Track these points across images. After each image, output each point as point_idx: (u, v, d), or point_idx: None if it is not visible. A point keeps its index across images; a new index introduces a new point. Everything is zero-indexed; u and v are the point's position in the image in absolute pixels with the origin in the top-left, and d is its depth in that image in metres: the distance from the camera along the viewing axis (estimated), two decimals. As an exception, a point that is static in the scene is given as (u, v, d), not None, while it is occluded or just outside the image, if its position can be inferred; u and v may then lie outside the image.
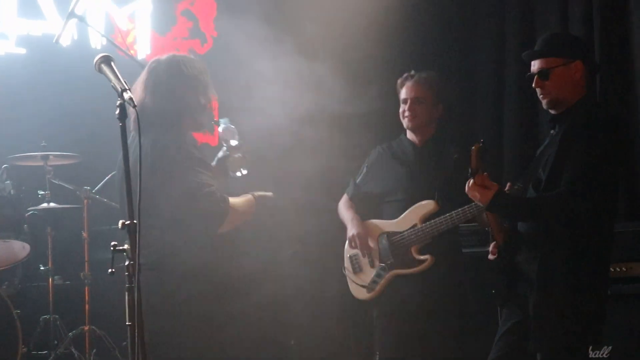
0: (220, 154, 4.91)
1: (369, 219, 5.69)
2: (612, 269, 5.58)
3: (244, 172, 4.90)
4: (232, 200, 4.59)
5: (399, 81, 5.69)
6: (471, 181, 4.43)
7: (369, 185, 5.76)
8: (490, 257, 4.67)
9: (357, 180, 5.81)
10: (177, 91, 4.58)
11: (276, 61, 6.30)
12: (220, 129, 4.88)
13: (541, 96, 4.60)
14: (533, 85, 4.58)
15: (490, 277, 4.74)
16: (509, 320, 4.65)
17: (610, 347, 5.65)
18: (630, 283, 5.70)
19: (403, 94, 5.64)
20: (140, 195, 3.46)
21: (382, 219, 5.66)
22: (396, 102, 5.72)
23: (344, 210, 5.80)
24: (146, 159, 4.40)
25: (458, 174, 5.25)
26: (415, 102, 5.59)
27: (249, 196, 4.77)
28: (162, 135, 4.50)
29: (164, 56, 4.74)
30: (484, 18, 7.52)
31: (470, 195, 4.47)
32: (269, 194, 4.84)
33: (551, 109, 4.61)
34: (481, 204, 4.48)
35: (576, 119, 4.47)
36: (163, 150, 4.48)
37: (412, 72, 5.67)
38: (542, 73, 4.57)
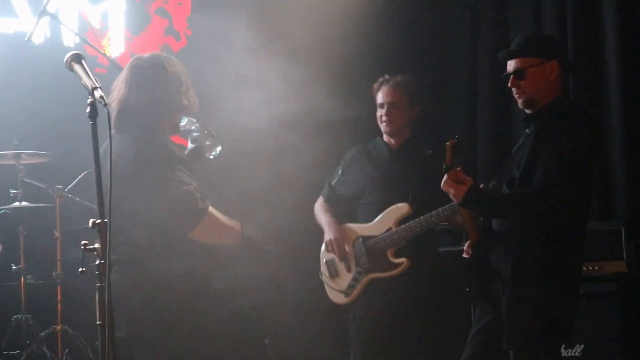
0: (190, 146, 4.87)
1: (345, 220, 5.69)
2: (584, 268, 5.62)
3: (219, 148, 4.86)
4: (217, 213, 4.55)
5: (374, 86, 5.70)
6: (445, 176, 4.45)
7: (344, 187, 5.76)
8: (465, 255, 4.68)
9: (333, 182, 5.81)
10: (161, 89, 4.55)
11: (253, 60, 6.29)
12: (182, 124, 4.81)
13: (517, 96, 4.62)
14: (509, 84, 4.60)
15: (464, 276, 4.74)
16: (482, 318, 4.67)
17: (582, 346, 5.68)
18: (602, 282, 5.74)
19: (379, 98, 5.66)
20: (110, 194, 3.43)
21: (356, 221, 5.66)
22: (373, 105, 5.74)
23: (321, 213, 5.79)
24: (128, 157, 4.41)
25: (433, 175, 5.28)
26: (391, 107, 5.61)
27: (236, 222, 4.68)
28: (144, 133, 4.49)
29: (145, 54, 4.71)
30: (458, 17, 7.54)
31: (444, 190, 4.49)
32: (257, 239, 4.76)
33: (526, 108, 4.62)
34: (455, 200, 4.50)
35: (551, 118, 4.49)
36: (145, 147, 4.45)
37: (387, 77, 5.68)
38: (518, 73, 4.58)
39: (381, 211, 5.55)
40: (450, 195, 4.49)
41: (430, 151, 5.41)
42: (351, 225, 5.64)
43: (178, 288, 4.39)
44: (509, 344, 4.42)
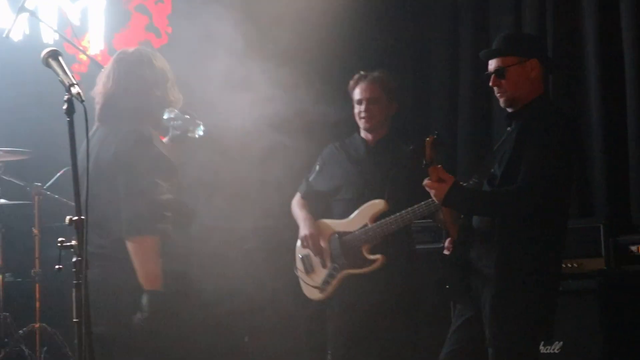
0: (173, 132, 4.76)
1: (322, 217, 5.69)
2: (563, 265, 5.64)
3: (202, 128, 4.79)
4: (156, 248, 4.37)
5: (351, 82, 5.69)
6: (427, 179, 4.44)
7: (321, 183, 5.76)
8: (446, 252, 4.69)
9: (310, 179, 5.80)
10: (147, 82, 4.53)
11: (237, 59, 6.28)
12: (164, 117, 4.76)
13: (498, 95, 4.62)
14: (490, 84, 4.60)
15: (444, 273, 4.76)
16: (461, 315, 4.67)
17: (561, 343, 5.70)
18: (581, 279, 5.76)
19: (357, 94, 5.64)
20: (87, 191, 3.43)
21: (332, 217, 5.65)
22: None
23: (297, 209, 5.78)
24: (108, 149, 4.39)
25: (410, 172, 5.31)
26: (370, 102, 5.60)
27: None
28: (128, 125, 4.46)
29: (131, 49, 4.70)
30: (438, 14, 7.54)
31: (427, 189, 4.49)
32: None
33: (508, 107, 4.63)
34: (436, 200, 4.49)
35: (532, 116, 4.50)
36: (128, 140, 4.42)
37: (364, 72, 5.67)
38: (499, 72, 4.59)
39: (357, 207, 5.54)
40: (432, 195, 4.49)
41: (412, 147, 5.43)
42: (327, 221, 5.64)
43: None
44: (491, 342, 4.43)
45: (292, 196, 5.90)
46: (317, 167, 5.80)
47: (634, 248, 5.79)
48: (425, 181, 4.44)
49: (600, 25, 6.54)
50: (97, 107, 4.51)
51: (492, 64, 4.62)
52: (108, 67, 4.62)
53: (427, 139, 4.45)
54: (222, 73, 6.11)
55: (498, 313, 4.41)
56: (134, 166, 4.34)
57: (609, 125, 6.49)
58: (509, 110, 4.62)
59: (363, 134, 5.71)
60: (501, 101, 4.64)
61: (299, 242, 5.69)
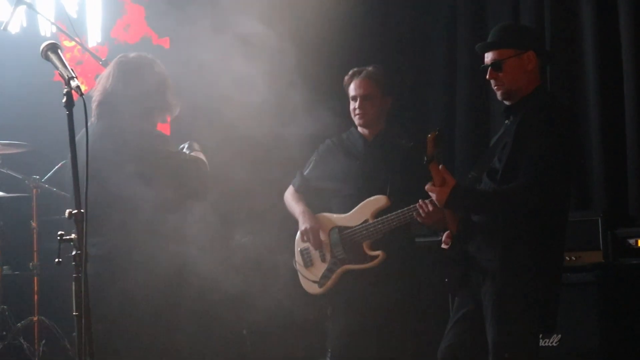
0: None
1: (317, 212, 5.67)
2: (561, 258, 5.65)
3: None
4: None
5: (345, 79, 5.68)
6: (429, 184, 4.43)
7: (319, 178, 5.74)
8: (444, 246, 4.68)
9: (305, 173, 5.78)
10: (147, 85, 4.61)
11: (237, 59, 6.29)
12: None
13: (495, 87, 4.62)
14: (487, 77, 4.60)
15: (442, 267, 4.76)
16: (460, 308, 4.67)
17: (559, 336, 5.70)
18: (579, 272, 5.75)
19: (352, 91, 5.63)
20: (87, 184, 3.42)
21: (331, 212, 5.65)
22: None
23: (294, 202, 5.76)
24: (116, 143, 4.47)
25: (410, 167, 5.32)
26: (364, 99, 5.58)
27: None
28: (129, 120, 4.52)
29: (132, 54, 4.78)
30: (436, 10, 7.53)
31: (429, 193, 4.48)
32: None
33: (506, 100, 4.62)
34: (438, 204, 4.48)
35: (531, 108, 4.50)
36: (131, 133, 4.51)
37: (357, 69, 5.66)
38: (496, 64, 4.58)
39: (357, 203, 5.52)
40: (433, 199, 4.49)
41: (412, 143, 5.43)
42: (327, 214, 5.61)
43: (150, 275, 4.44)
44: (492, 333, 4.44)
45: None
46: (313, 162, 5.78)
47: (632, 241, 5.79)
48: (427, 186, 4.44)
49: (598, 18, 6.53)
50: (94, 104, 4.58)
51: (489, 57, 4.62)
52: (109, 68, 4.69)
53: (429, 135, 4.44)
54: (219, 71, 6.13)
55: (501, 306, 4.41)
56: (141, 164, 4.44)
57: (606, 117, 6.48)
58: (507, 103, 4.62)
59: (360, 129, 5.70)
60: (498, 94, 4.63)
61: (298, 236, 5.67)
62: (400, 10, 7.59)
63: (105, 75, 4.67)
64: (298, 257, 5.65)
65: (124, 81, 4.59)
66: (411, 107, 7.47)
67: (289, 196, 5.81)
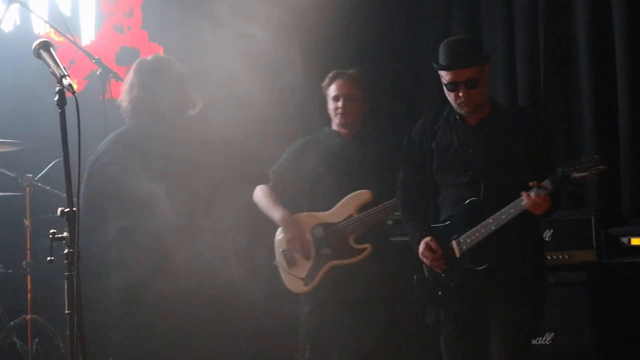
0: None
1: (291, 208, 5.69)
2: (554, 257, 5.68)
3: None
4: None
5: (326, 79, 5.74)
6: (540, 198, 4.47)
7: (294, 176, 5.74)
8: (437, 270, 4.76)
9: (280, 170, 5.77)
10: (168, 86, 4.80)
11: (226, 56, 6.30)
12: None
13: (462, 104, 4.65)
14: (459, 93, 4.61)
15: (416, 266, 4.86)
16: (458, 320, 4.77)
17: (552, 334, 5.71)
18: (572, 271, 5.77)
19: (333, 90, 5.69)
20: (79, 183, 3.43)
21: (307, 210, 5.67)
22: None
23: (270, 203, 5.72)
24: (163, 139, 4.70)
25: (388, 164, 5.47)
26: (348, 99, 5.65)
27: None
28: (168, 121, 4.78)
29: (149, 57, 4.97)
30: (429, 14, 7.52)
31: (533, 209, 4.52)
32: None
33: (470, 114, 4.67)
34: (535, 211, 4.52)
35: (510, 118, 4.72)
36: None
37: (339, 70, 5.74)
38: (471, 82, 4.60)
39: (337, 199, 5.57)
40: (530, 208, 4.51)
41: (391, 144, 5.51)
42: (307, 213, 5.64)
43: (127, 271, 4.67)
44: (505, 337, 4.57)
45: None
46: (288, 160, 5.78)
47: (624, 239, 5.80)
48: (533, 196, 4.46)
49: (592, 20, 6.54)
50: (128, 108, 4.83)
51: (461, 75, 4.62)
52: (130, 76, 4.86)
53: (594, 170, 4.49)
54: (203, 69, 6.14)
55: (515, 309, 4.55)
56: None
57: (600, 116, 6.49)
58: (472, 116, 4.71)
59: (337, 128, 5.75)
60: (465, 109, 4.68)
61: (279, 237, 5.67)
62: (394, 9, 7.57)
63: (128, 83, 4.84)
64: (280, 258, 5.64)
65: (146, 88, 4.77)
66: (405, 109, 7.47)
67: (262, 195, 5.74)
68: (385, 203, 5.44)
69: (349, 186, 5.57)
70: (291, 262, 5.62)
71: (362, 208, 5.52)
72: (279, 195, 5.74)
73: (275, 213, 5.65)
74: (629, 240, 5.78)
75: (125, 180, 4.58)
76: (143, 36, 7.56)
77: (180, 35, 6.85)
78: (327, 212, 5.59)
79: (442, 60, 4.71)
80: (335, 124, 5.73)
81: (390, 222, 6.25)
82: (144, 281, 4.59)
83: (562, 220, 5.80)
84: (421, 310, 5.62)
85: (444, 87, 4.72)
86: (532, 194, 4.46)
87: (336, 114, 5.67)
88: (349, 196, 5.54)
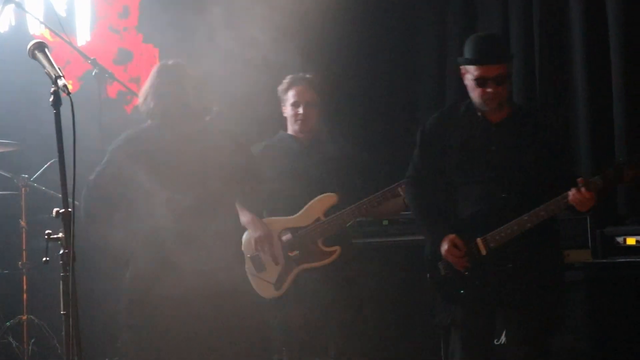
0: None
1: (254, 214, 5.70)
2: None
3: None
4: None
5: (284, 83, 5.76)
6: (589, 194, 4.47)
7: None
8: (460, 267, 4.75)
9: None
10: (186, 89, 4.86)
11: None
12: None
13: (488, 99, 4.62)
14: (487, 89, 4.60)
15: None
16: (463, 324, 4.81)
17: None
18: (568, 270, 5.77)
19: (293, 96, 5.72)
20: (74, 182, 3.42)
21: (267, 216, 5.68)
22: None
23: (237, 206, 5.72)
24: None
25: (347, 168, 5.63)
26: (308, 106, 5.69)
27: None
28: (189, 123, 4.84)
29: (170, 61, 5.00)
30: (426, 16, 7.52)
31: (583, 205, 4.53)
32: None
33: (495, 112, 4.66)
34: (581, 208, 4.55)
35: (529, 116, 4.74)
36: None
37: (297, 76, 5.76)
38: (500, 78, 4.60)
39: (301, 203, 5.61)
40: (577, 204, 4.52)
41: (347, 147, 5.68)
42: (274, 218, 5.65)
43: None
44: (525, 337, 4.63)
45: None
46: None
47: (620, 239, 5.81)
48: (584, 191, 4.46)
49: (587, 21, 6.56)
50: (150, 106, 4.85)
51: (492, 70, 4.62)
52: (152, 78, 4.91)
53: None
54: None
55: (535, 309, 4.61)
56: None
57: (595, 116, 6.51)
58: (494, 114, 4.70)
59: (294, 133, 5.78)
60: (490, 106, 4.66)
61: (245, 242, 5.66)
62: (390, 14, 7.57)
63: (150, 85, 4.89)
64: (248, 264, 5.61)
65: (167, 91, 4.82)
66: (401, 106, 7.47)
67: None
68: (353, 206, 5.51)
69: (309, 190, 5.60)
70: (260, 268, 5.62)
71: (329, 211, 5.57)
72: None
73: (243, 216, 5.64)
74: (625, 240, 5.80)
75: (134, 178, 4.62)
76: (138, 38, 7.56)
77: (176, 37, 6.85)
78: (293, 217, 5.63)
79: (471, 54, 4.69)
80: (292, 129, 5.77)
81: (385, 222, 6.30)
82: (150, 281, 4.60)
83: (558, 220, 5.80)
84: (414, 309, 5.68)
85: (470, 83, 4.70)
86: (583, 189, 4.45)
87: (296, 120, 5.71)
88: (315, 200, 5.59)
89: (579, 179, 4.47)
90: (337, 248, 5.56)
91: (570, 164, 4.62)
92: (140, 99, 4.92)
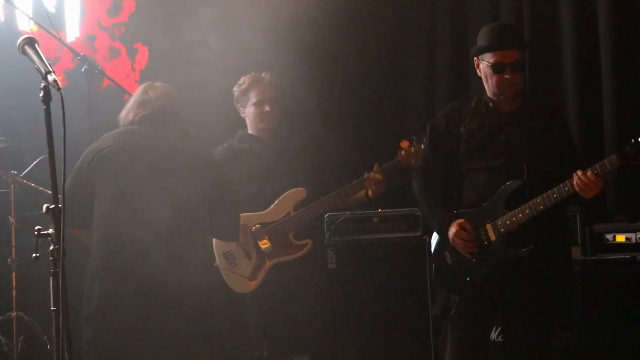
0: None
1: None
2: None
3: None
4: None
5: (244, 83, 5.79)
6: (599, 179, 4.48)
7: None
8: (467, 255, 4.75)
9: None
10: (173, 106, 4.95)
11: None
12: None
13: (506, 87, 4.63)
14: (504, 75, 4.59)
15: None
16: (463, 320, 4.81)
17: (538, 330, 5.73)
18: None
19: (255, 95, 5.76)
20: (64, 179, 3.41)
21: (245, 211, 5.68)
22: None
23: None
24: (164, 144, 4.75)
25: (317, 159, 5.76)
26: (272, 104, 5.75)
27: None
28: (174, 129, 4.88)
29: (157, 83, 5.02)
30: (416, 8, 7.52)
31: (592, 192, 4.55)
32: None
33: (511, 100, 4.67)
34: (586, 195, 4.55)
35: (543, 109, 4.78)
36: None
37: (257, 75, 5.80)
38: (518, 65, 4.61)
39: (266, 201, 5.64)
40: (584, 191, 4.53)
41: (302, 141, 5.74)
42: (245, 214, 5.59)
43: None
44: (529, 334, 4.65)
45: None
46: None
47: (609, 236, 5.82)
48: (589, 174, 4.47)
49: (577, 15, 6.57)
50: (129, 118, 4.88)
51: (509, 56, 4.63)
52: (139, 93, 4.95)
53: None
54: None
55: (542, 306, 4.63)
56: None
57: (585, 113, 6.53)
58: (508, 104, 4.72)
59: (254, 132, 5.83)
60: (506, 94, 4.67)
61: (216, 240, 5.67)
62: (380, 12, 7.57)
63: (136, 99, 4.94)
64: (221, 260, 5.62)
65: (154, 106, 4.87)
66: (391, 106, 7.47)
67: None
68: (322, 199, 5.55)
69: (276, 187, 5.65)
70: (232, 264, 5.62)
71: (299, 205, 5.61)
72: None
73: None
74: (614, 237, 5.81)
75: (98, 183, 4.63)
76: (128, 34, 7.55)
77: (166, 34, 6.84)
78: (263, 212, 5.66)
79: (487, 41, 4.71)
80: (256, 128, 5.80)
81: (375, 219, 6.32)
82: (118, 282, 4.56)
83: (568, 216, 5.81)
84: (401, 305, 5.71)
85: (486, 71, 4.72)
86: (588, 172, 4.47)
87: (262, 119, 5.75)
88: (284, 195, 5.64)
89: (594, 165, 4.52)
90: (308, 241, 5.63)
91: (577, 157, 4.63)
92: (122, 114, 4.93)
